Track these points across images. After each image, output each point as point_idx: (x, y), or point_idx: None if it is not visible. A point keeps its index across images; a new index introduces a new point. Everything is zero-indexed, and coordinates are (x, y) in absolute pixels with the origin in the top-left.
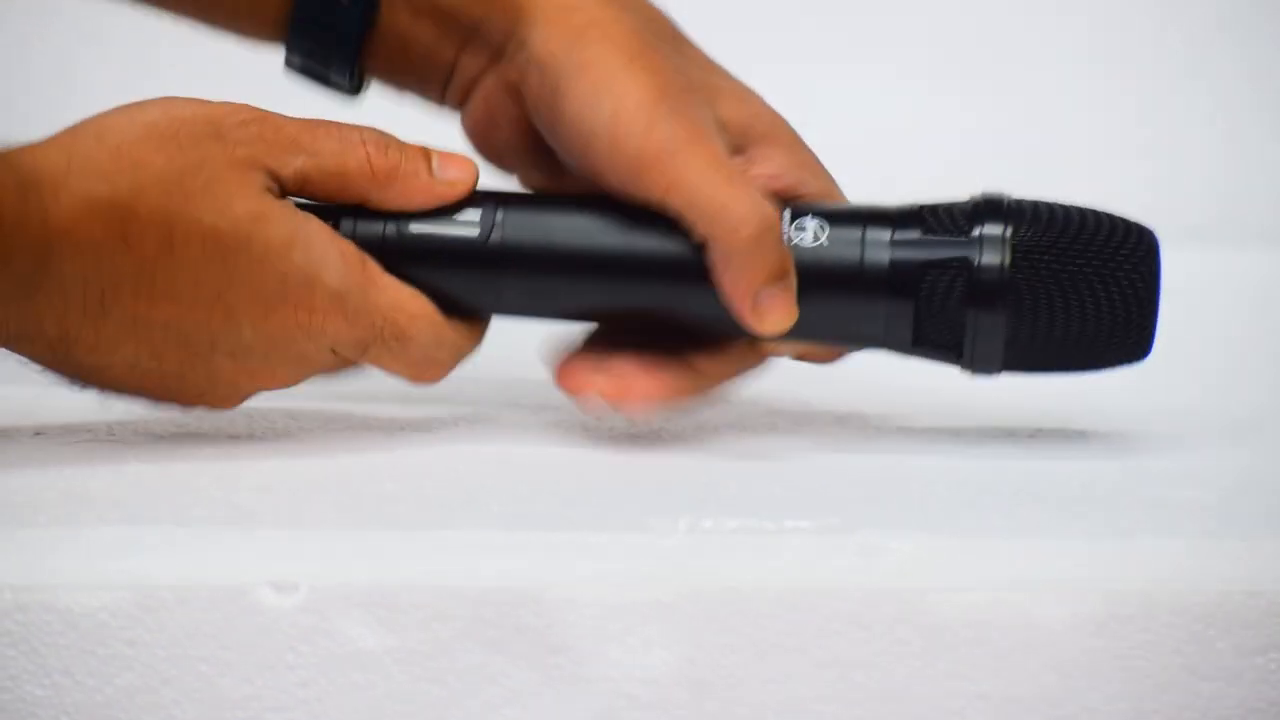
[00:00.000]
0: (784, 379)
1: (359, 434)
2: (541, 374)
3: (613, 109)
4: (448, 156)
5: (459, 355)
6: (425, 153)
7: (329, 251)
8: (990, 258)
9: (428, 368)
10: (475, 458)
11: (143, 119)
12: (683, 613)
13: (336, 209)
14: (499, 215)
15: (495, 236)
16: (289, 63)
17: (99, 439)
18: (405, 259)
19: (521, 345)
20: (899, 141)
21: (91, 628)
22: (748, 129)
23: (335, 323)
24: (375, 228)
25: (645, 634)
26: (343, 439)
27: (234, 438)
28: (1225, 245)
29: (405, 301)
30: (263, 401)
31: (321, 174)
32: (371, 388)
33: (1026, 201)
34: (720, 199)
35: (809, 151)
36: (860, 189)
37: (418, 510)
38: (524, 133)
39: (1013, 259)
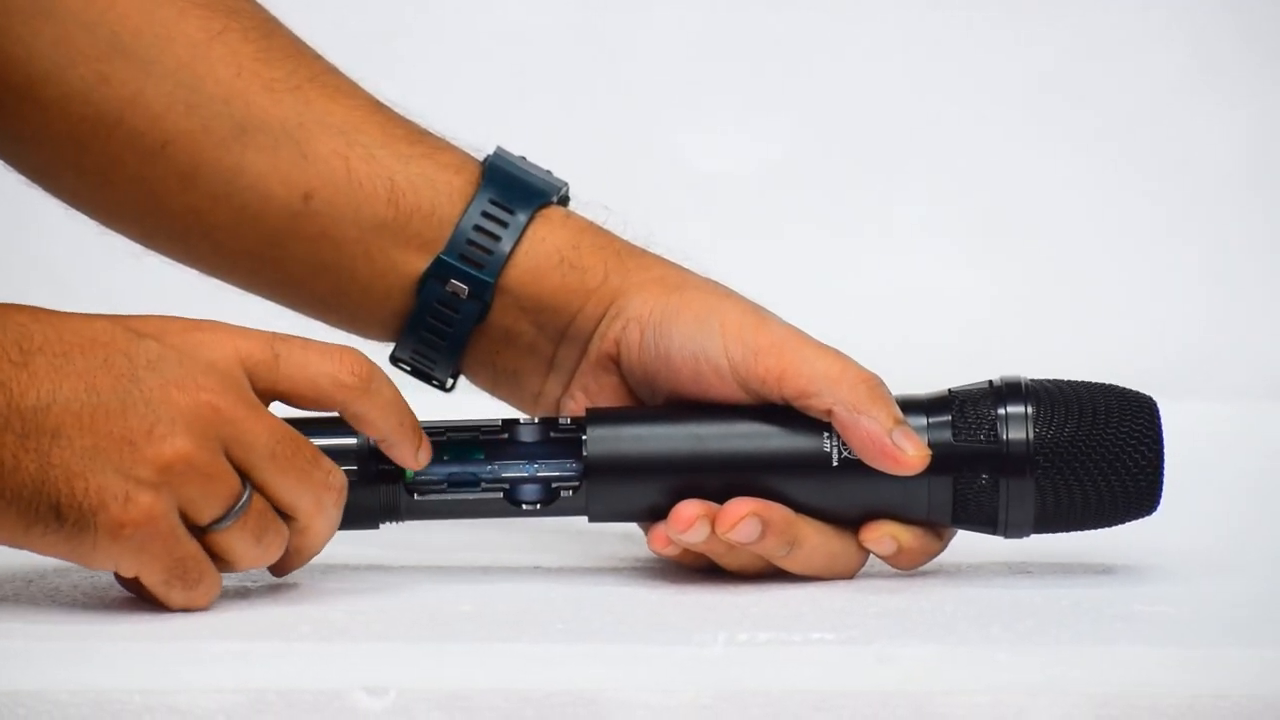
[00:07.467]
0: None
1: (439, 571)
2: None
3: (721, 321)
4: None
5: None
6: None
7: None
8: (1016, 436)
9: (326, 491)
10: (541, 587)
11: None
12: (722, 714)
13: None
14: None
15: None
16: (395, 357)
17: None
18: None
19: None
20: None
21: None
22: None
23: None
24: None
25: None
26: (423, 573)
27: (326, 571)
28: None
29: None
30: (345, 548)
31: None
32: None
33: (1041, 382)
34: (837, 367)
35: None
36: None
37: (491, 627)
38: (621, 397)
39: (1036, 436)
